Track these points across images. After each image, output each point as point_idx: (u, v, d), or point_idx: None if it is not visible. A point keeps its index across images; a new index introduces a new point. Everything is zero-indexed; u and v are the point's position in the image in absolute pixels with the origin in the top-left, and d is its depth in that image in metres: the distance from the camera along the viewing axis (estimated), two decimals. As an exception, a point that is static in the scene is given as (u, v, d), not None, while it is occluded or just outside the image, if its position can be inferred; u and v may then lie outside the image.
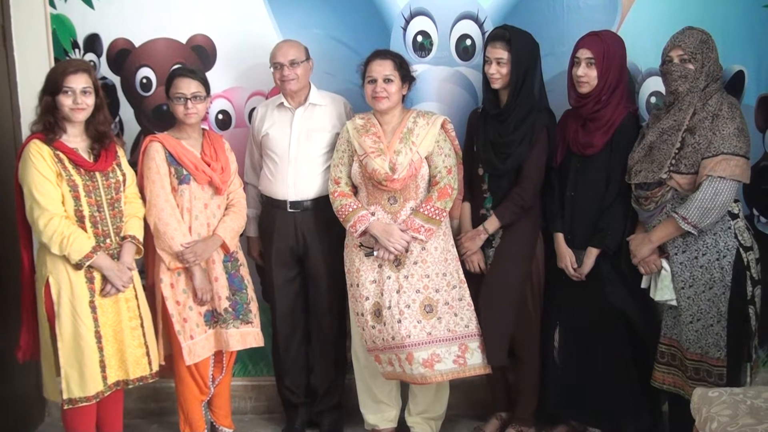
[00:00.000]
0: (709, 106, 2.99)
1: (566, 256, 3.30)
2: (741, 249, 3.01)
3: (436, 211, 3.26)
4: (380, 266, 3.29)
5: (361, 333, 3.38)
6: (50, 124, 2.98)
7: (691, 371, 3.07)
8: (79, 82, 2.99)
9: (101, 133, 3.10)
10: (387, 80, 3.26)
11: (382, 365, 3.37)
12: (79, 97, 2.99)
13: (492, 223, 3.34)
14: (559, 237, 3.34)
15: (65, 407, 3.01)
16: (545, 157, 3.32)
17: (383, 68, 3.27)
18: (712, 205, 2.92)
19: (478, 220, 3.41)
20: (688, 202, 2.97)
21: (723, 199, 2.93)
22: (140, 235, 3.18)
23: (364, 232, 3.27)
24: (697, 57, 2.99)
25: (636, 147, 3.15)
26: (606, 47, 3.17)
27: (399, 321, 3.26)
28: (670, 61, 3.03)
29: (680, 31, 3.05)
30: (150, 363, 3.19)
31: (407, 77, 3.33)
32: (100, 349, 3.02)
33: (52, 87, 2.99)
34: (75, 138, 3.06)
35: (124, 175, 3.17)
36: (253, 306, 3.43)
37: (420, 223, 3.25)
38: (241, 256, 3.46)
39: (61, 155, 2.98)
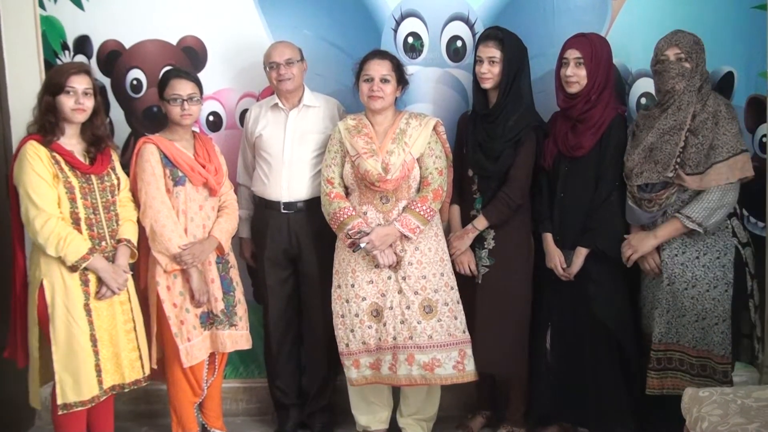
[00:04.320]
0: (708, 107, 3.05)
1: (555, 257, 3.31)
2: (739, 246, 3.09)
3: (431, 212, 3.28)
4: (377, 266, 3.29)
5: (346, 335, 3.35)
6: (50, 125, 2.98)
7: (697, 368, 3.12)
8: (81, 82, 3.00)
9: (97, 137, 3.10)
10: (384, 80, 3.27)
11: (360, 369, 3.36)
12: (81, 98, 2.99)
13: (480, 222, 3.35)
14: (548, 237, 3.35)
15: (60, 413, 2.98)
16: (533, 158, 3.34)
17: (381, 68, 3.27)
18: (719, 205, 3.00)
19: (468, 221, 3.42)
20: (693, 202, 3.04)
21: (729, 199, 3.03)
22: (134, 239, 3.17)
23: (353, 244, 3.26)
24: (692, 56, 3.04)
25: (631, 149, 3.17)
26: (594, 47, 3.20)
27: (402, 321, 3.27)
28: (666, 59, 3.07)
29: (673, 32, 3.10)
30: (143, 366, 3.19)
31: (402, 80, 3.34)
32: (96, 353, 3.01)
33: (54, 87, 2.98)
34: (71, 140, 3.06)
35: (118, 178, 3.17)
36: (239, 308, 3.42)
37: (416, 224, 3.25)
38: (232, 258, 3.46)
39: (58, 157, 2.98)
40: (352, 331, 3.34)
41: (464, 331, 3.32)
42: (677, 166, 3.03)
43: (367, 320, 3.31)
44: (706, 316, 3.07)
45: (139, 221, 3.23)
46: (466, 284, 3.39)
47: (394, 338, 3.29)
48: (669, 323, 3.14)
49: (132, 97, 3.73)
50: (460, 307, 3.34)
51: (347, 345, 3.36)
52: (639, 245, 3.14)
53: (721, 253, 3.07)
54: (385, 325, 3.29)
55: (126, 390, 3.15)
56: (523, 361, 3.43)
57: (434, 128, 3.34)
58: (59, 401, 2.98)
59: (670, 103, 3.08)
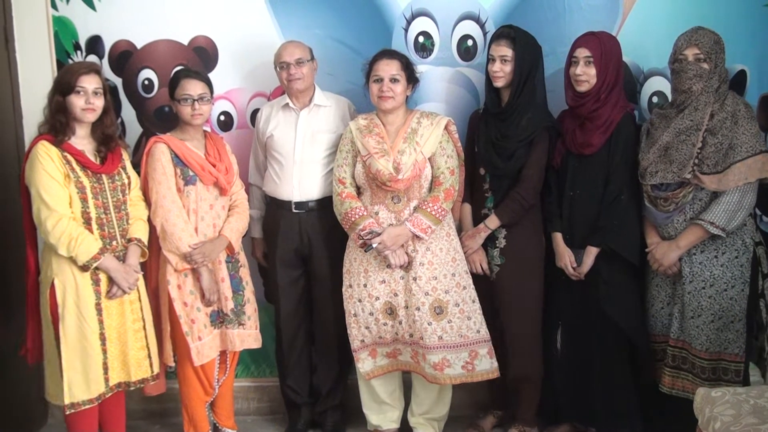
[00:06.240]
0: (726, 107, 3.01)
1: (565, 255, 3.31)
2: (754, 245, 3.07)
3: (443, 212, 3.27)
4: (388, 266, 3.29)
5: (360, 333, 3.36)
6: (61, 125, 2.99)
7: (708, 372, 3.08)
8: (91, 82, 3.01)
9: (108, 136, 3.11)
10: (393, 80, 3.26)
11: (376, 359, 3.37)
12: (91, 98, 3.00)
13: (492, 221, 3.35)
14: (558, 236, 3.34)
15: (67, 412, 3.00)
16: (546, 158, 3.33)
17: (390, 68, 3.26)
18: (739, 207, 2.97)
19: (479, 219, 3.42)
20: (713, 206, 3.00)
21: (749, 200, 2.99)
22: (145, 238, 3.18)
23: (365, 244, 3.26)
24: (711, 57, 3.00)
25: (645, 147, 3.15)
26: (603, 46, 3.19)
27: (414, 321, 3.27)
28: (684, 59, 3.03)
29: (693, 30, 3.04)
30: (151, 365, 3.20)
31: (412, 78, 3.33)
32: (104, 351, 3.02)
33: (65, 87, 2.99)
34: (82, 140, 3.07)
35: (129, 178, 3.18)
36: (248, 308, 3.43)
37: (428, 224, 3.24)
38: (242, 258, 3.46)
39: (69, 157, 2.99)
40: (367, 328, 3.35)
41: (478, 331, 3.31)
42: (694, 167, 3.00)
43: (382, 318, 3.32)
44: (722, 315, 3.05)
45: (149, 220, 3.24)
46: (478, 283, 3.39)
47: (411, 335, 3.30)
48: (685, 321, 3.11)
49: (143, 97, 3.74)
50: (476, 306, 3.33)
51: (362, 341, 3.37)
52: (663, 259, 3.12)
53: (739, 252, 3.05)
54: (401, 323, 3.30)
55: (132, 388, 3.16)
56: (535, 360, 3.42)
57: (446, 127, 3.33)
58: (66, 401, 2.98)
59: (687, 104, 3.04)
